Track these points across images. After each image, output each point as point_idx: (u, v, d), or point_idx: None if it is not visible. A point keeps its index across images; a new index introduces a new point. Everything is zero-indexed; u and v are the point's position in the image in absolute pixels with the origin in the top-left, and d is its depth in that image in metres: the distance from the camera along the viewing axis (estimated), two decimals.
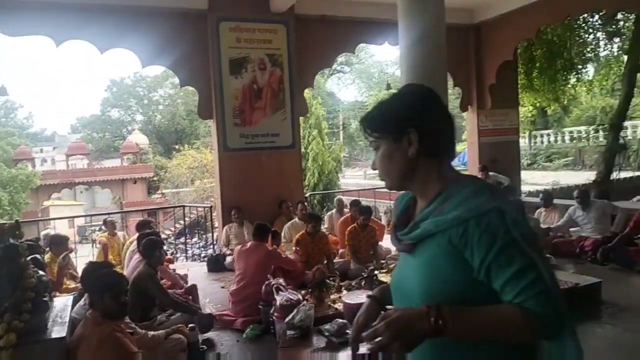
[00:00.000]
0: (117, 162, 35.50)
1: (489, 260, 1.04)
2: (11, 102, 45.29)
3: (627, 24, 12.75)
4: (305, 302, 4.16)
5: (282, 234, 6.82)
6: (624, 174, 13.06)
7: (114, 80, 46.25)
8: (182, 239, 13.04)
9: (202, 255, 9.57)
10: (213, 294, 5.65)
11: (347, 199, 9.66)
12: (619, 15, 12.46)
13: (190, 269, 7.32)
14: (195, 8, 7.18)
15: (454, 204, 1.12)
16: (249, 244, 5.05)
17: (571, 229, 6.83)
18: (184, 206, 10.11)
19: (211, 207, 9.23)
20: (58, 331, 3.01)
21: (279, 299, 4.19)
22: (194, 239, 13.25)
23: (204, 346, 4.06)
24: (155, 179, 32.79)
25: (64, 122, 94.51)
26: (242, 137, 7.45)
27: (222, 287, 6.02)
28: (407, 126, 1.20)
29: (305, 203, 7.64)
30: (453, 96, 10.93)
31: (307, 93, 19.32)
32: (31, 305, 2.85)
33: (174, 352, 3.60)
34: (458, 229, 1.08)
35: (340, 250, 6.91)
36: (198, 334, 3.92)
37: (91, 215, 15.18)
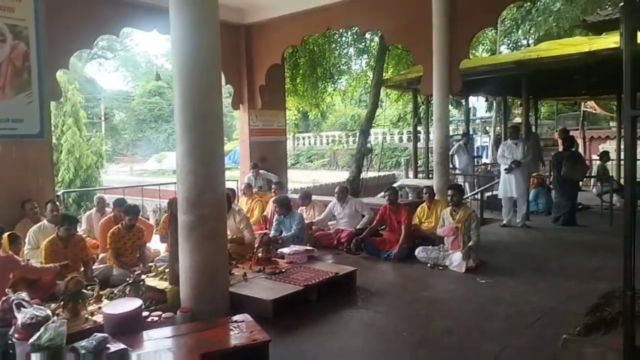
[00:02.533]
0: None
1: None
2: None
3: (373, 43, 14.78)
4: (55, 317, 3.55)
5: (27, 239, 5.78)
6: (370, 174, 15.15)
7: None
8: None
9: None
10: None
11: (110, 197, 8.79)
12: (368, 35, 14.36)
13: None
14: None
15: None
16: None
17: (330, 222, 7.52)
18: None
19: None
20: None
21: (21, 316, 3.48)
22: None
23: None
24: None
25: None
26: None
27: None
28: None
29: (57, 202, 6.61)
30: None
31: (61, 76, 17.10)
32: None
33: None
34: None
35: (101, 255, 6.22)
36: None
37: None
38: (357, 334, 4.07)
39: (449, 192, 6.12)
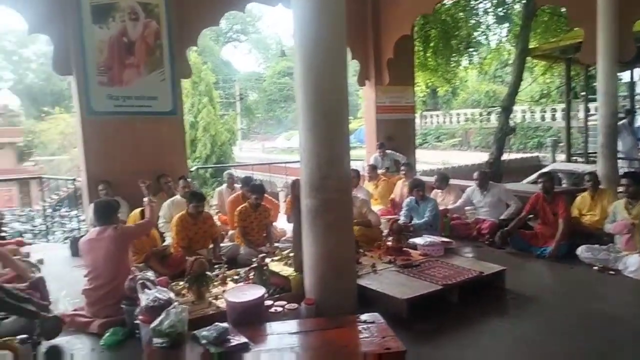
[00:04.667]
0: None
1: None
2: None
3: (515, 10, 13.19)
4: (176, 302, 3.38)
5: (162, 212, 5.91)
6: (511, 156, 13.73)
7: None
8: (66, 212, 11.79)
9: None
10: (73, 284, 4.51)
11: (242, 173, 8.94)
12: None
13: (50, 253, 6.23)
14: None
15: None
16: (93, 231, 4.06)
17: (466, 208, 6.72)
18: (40, 177, 8.66)
19: (74, 179, 7.92)
20: None
21: (144, 298, 3.37)
22: (74, 212, 11.91)
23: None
24: (25, 144, 29.22)
25: None
26: (111, 98, 6.34)
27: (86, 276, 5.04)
28: None
29: (189, 179, 6.72)
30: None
31: (195, 57, 18.03)
32: None
33: None
34: None
35: (230, 232, 6.19)
36: (30, 349, 2.99)
37: None
38: (510, 350, 3.34)
39: (624, 181, 4.97)
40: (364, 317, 3.37)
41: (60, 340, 3.51)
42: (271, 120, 44.56)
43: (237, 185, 7.23)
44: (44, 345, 3.43)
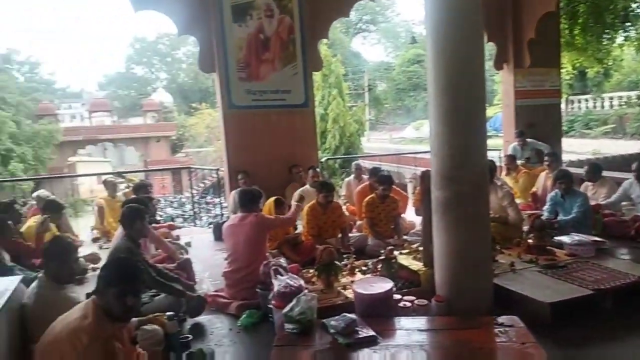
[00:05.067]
0: (142, 121, 35.48)
1: None
2: (35, 57, 44.98)
3: None
4: (306, 290, 3.46)
5: (293, 201, 6.12)
6: None
7: (136, 37, 45.83)
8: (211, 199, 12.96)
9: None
10: (215, 266, 4.95)
11: (369, 164, 8.95)
12: None
13: (197, 237, 6.81)
14: None
15: None
16: (235, 217, 4.32)
17: (622, 203, 5.95)
18: (189, 168, 9.58)
19: (217, 169, 8.57)
20: None
21: (277, 284, 3.50)
22: (218, 200, 13.05)
23: (189, 335, 3.42)
24: (177, 137, 32.70)
25: (90, 78, 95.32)
26: (249, 93, 6.70)
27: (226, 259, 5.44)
28: None
29: (318, 169, 6.88)
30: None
31: (325, 50, 18.41)
32: None
33: (145, 348, 2.96)
34: None
35: (358, 222, 6.22)
36: (176, 325, 3.27)
37: (119, 173, 14.68)
38: None
39: None
40: (501, 319, 3.11)
41: (202, 319, 3.83)
42: (399, 110, 44.12)
43: (365, 176, 7.23)
44: (189, 322, 3.78)
